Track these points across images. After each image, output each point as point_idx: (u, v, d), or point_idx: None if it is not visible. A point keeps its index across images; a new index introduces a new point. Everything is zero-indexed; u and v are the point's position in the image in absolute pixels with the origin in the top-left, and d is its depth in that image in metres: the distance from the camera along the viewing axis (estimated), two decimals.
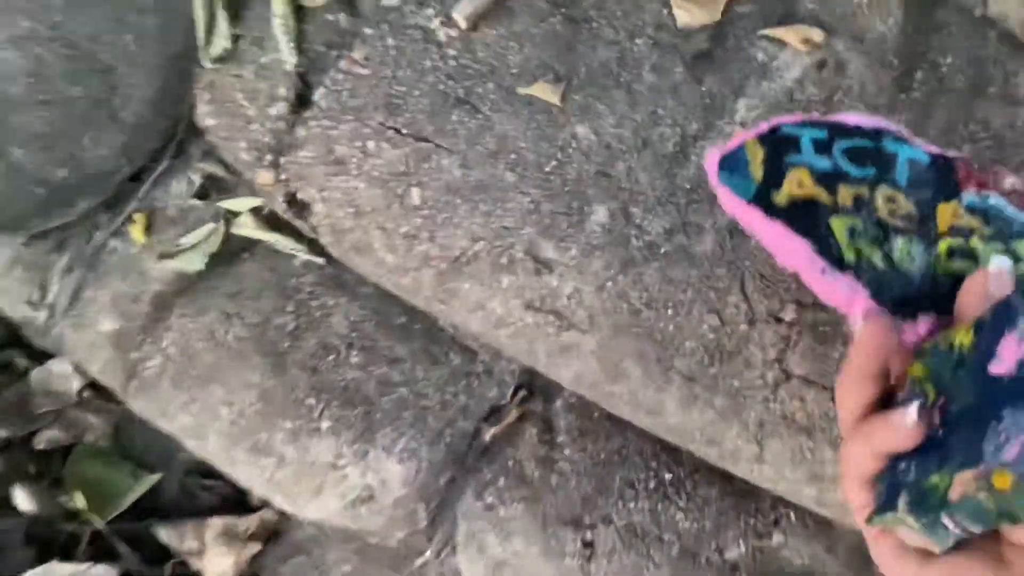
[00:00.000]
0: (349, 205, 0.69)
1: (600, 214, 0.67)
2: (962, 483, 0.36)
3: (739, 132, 0.61)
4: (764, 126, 0.58)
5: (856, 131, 0.59)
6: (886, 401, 0.45)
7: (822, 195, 0.57)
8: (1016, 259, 0.56)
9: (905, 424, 0.40)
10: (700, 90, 0.69)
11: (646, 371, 0.67)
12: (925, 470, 0.39)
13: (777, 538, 0.74)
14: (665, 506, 0.74)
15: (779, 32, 0.70)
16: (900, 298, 0.55)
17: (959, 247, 0.56)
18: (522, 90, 0.68)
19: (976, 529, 0.36)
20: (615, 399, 0.69)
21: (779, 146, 0.58)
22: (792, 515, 0.75)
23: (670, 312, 0.66)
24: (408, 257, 0.68)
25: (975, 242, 0.56)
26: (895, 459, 0.42)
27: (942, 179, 0.58)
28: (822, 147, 0.58)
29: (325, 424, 0.78)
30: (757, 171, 0.57)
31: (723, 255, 0.66)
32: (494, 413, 0.80)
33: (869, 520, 0.42)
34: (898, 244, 0.57)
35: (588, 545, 0.74)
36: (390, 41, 0.70)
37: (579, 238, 0.67)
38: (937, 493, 0.37)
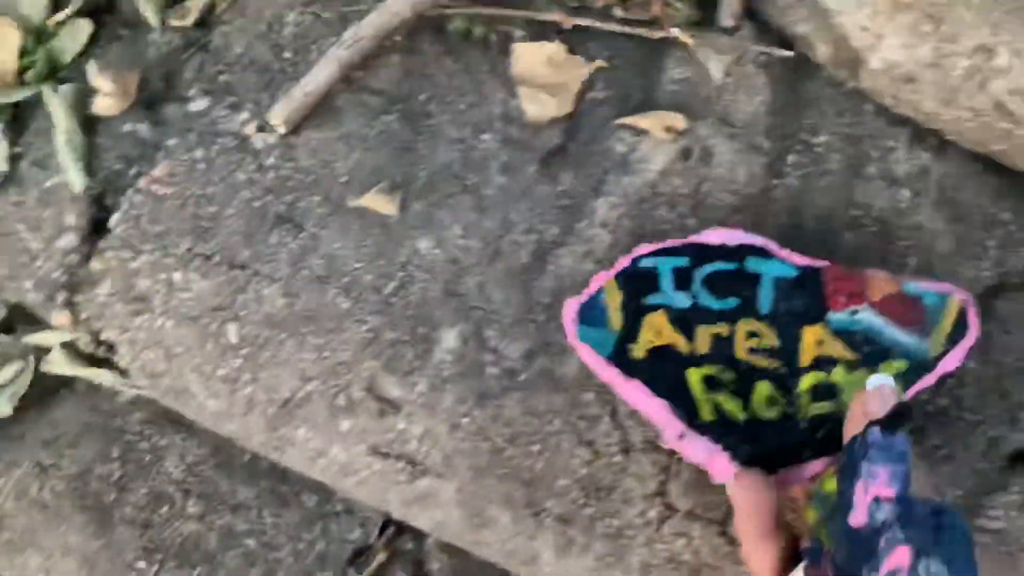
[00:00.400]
0: (158, 346, 0.59)
1: (450, 340, 0.58)
2: None
3: (596, 276, 0.56)
4: (623, 261, 0.56)
5: (719, 252, 0.56)
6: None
7: (679, 342, 0.55)
8: None
9: None
10: (556, 190, 0.62)
11: (515, 516, 0.58)
12: None
13: None
14: None
15: (638, 120, 0.63)
16: (762, 450, 0.52)
17: (822, 384, 0.54)
18: (353, 202, 0.60)
19: None
20: (483, 548, 0.60)
21: (637, 285, 0.55)
22: None
23: (536, 448, 0.58)
24: (231, 402, 0.59)
25: (837, 375, 0.54)
26: None
27: (809, 296, 0.55)
28: (682, 279, 0.55)
29: None
30: (615, 319, 0.55)
31: (590, 377, 0.58)
32: (359, 556, 0.70)
33: None
34: (757, 390, 0.54)
35: None
36: (198, 153, 0.60)
37: (427, 370, 0.58)
38: None
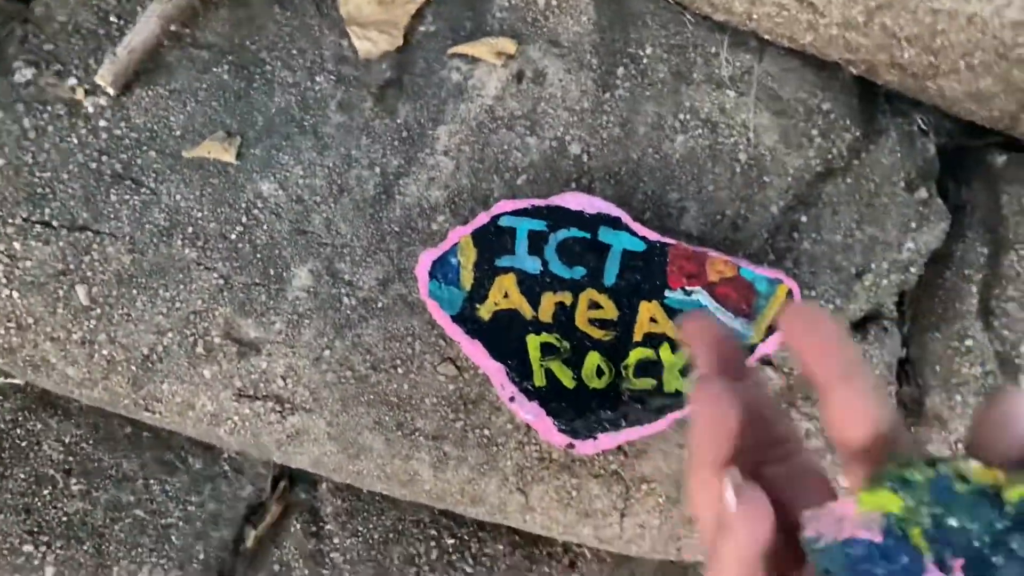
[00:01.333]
0: (8, 320, 0.58)
1: (302, 277, 0.59)
2: None
3: (453, 231, 0.58)
4: (482, 218, 0.57)
5: (576, 218, 0.58)
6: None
7: (524, 307, 0.57)
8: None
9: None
10: (395, 123, 0.63)
11: (388, 440, 0.59)
12: None
13: None
14: (451, 575, 0.67)
15: (470, 48, 0.65)
16: (581, 415, 0.57)
17: (648, 360, 0.58)
18: (189, 153, 0.60)
19: None
20: (364, 477, 0.61)
21: (493, 245, 0.57)
22: (587, 553, 0.69)
23: (400, 371, 0.59)
24: (91, 367, 0.58)
25: (663, 353, 0.58)
26: None
27: (652, 272, 0.58)
28: (537, 243, 0.58)
29: (50, 572, 0.66)
30: (467, 278, 0.57)
31: None
32: (255, 513, 0.70)
33: None
34: (588, 360, 0.57)
35: None
36: (27, 123, 0.59)
37: (282, 309, 0.59)
38: None
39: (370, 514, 0.68)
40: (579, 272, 0.58)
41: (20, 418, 0.70)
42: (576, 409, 0.56)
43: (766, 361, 0.61)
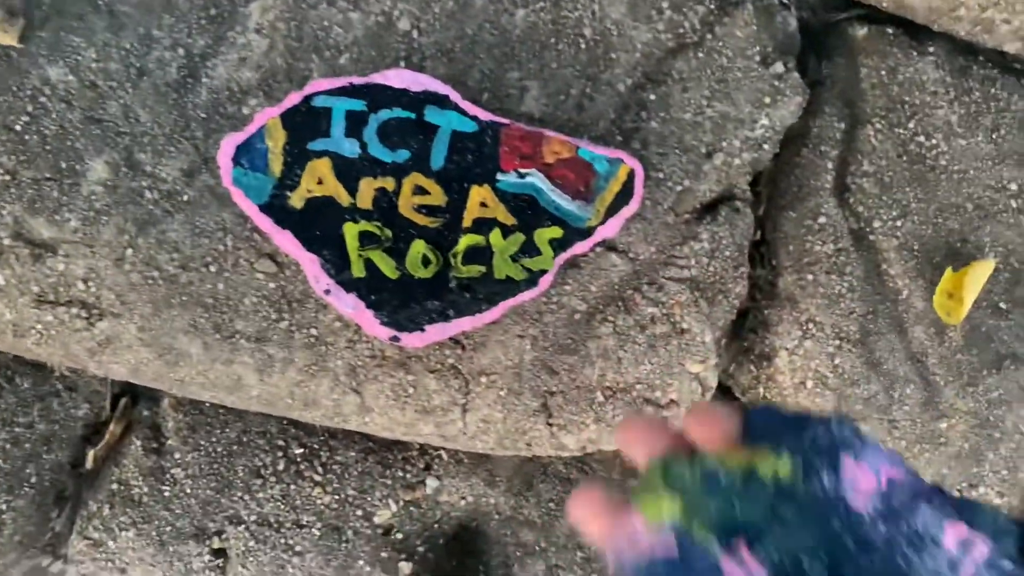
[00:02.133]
0: None
1: (98, 170, 0.54)
2: None
3: (260, 112, 0.53)
4: (293, 98, 0.52)
5: (399, 97, 0.54)
6: None
7: (341, 194, 0.53)
8: (534, 250, 0.55)
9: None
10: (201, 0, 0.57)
11: (206, 344, 0.55)
12: None
13: (432, 484, 0.66)
14: (299, 486, 0.64)
15: None
16: (406, 306, 0.54)
17: (477, 246, 0.54)
18: None
19: None
20: (188, 385, 0.57)
21: (305, 127, 0.53)
22: (444, 455, 0.67)
23: (213, 268, 0.55)
24: None
25: (493, 239, 0.54)
26: None
27: (483, 154, 0.54)
28: (355, 124, 0.53)
29: None
30: (276, 163, 0.52)
31: None
32: (98, 432, 0.66)
33: None
34: (413, 249, 0.54)
35: (219, 553, 0.64)
36: None
37: (77, 205, 0.54)
38: None
39: (213, 428, 0.65)
40: (403, 155, 0.54)
41: None
42: (400, 300, 0.53)
43: (609, 246, 0.59)
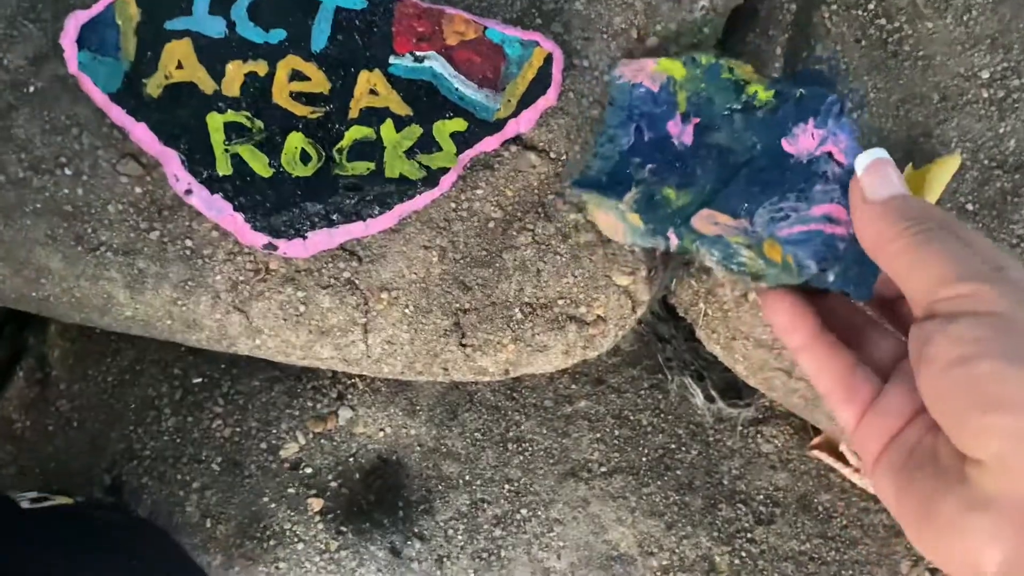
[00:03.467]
0: None
1: None
2: (720, 226, 0.40)
3: None
4: None
5: None
6: None
7: (204, 79, 0.46)
8: (434, 145, 0.49)
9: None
10: None
11: (67, 257, 0.49)
12: (661, 179, 0.43)
13: (345, 414, 0.61)
14: (197, 417, 0.59)
15: None
16: (284, 209, 0.47)
17: (365, 140, 0.48)
18: None
19: (720, 270, 0.41)
20: (55, 306, 0.51)
21: (162, 3, 0.46)
22: (359, 383, 0.61)
23: (69, 171, 0.48)
24: None
25: (385, 131, 0.48)
26: (630, 150, 0.45)
27: (373, 35, 0.47)
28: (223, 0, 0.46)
29: None
30: (128, 46, 0.46)
31: None
32: None
33: (574, 185, 0.48)
34: (289, 143, 0.47)
35: (112, 490, 0.58)
36: None
37: None
38: (668, 206, 0.42)
39: (103, 356, 0.59)
40: (278, 35, 0.47)
41: None
42: (275, 202, 0.47)
43: (526, 144, 0.52)
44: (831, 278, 0.36)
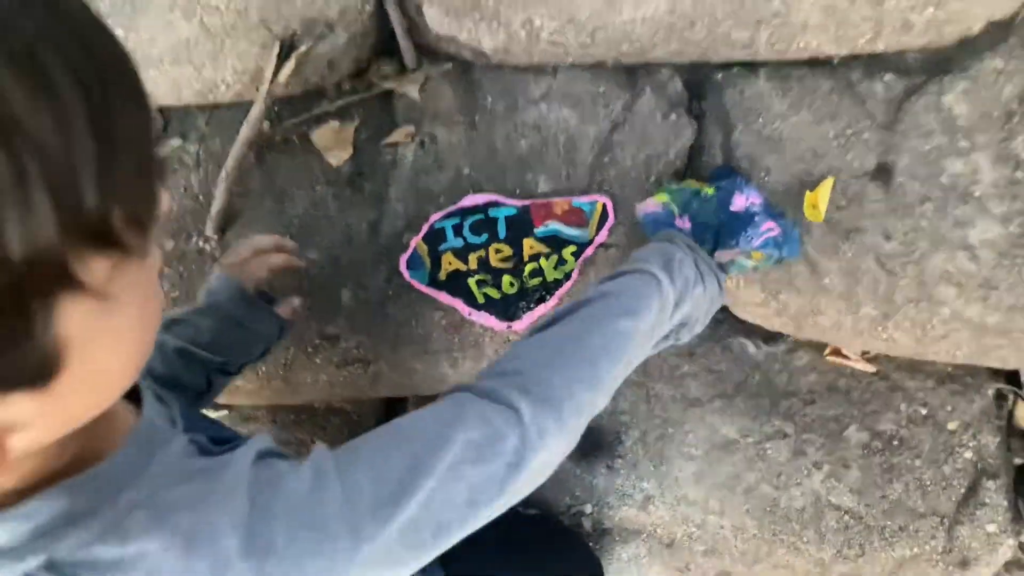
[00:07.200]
0: None
1: None
2: (729, 255, 0.90)
3: (412, 239, 1.06)
4: (424, 227, 1.06)
5: (474, 209, 1.05)
6: None
7: (461, 266, 1.05)
8: (564, 261, 1.05)
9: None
10: (364, 197, 1.12)
11: (423, 361, 1.09)
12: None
13: None
14: None
15: (390, 138, 1.13)
16: (510, 309, 1.04)
17: (535, 269, 1.05)
18: None
19: (740, 272, 0.98)
20: (389, 385, 1.11)
21: (435, 240, 1.06)
22: None
23: (414, 322, 1.09)
24: None
25: (542, 262, 1.05)
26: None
27: (524, 222, 1.05)
28: (457, 229, 1.05)
29: None
30: (427, 261, 1.05)
31: None
32: None
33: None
34: (504, 281, 1.05)
35: None
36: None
37: None
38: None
39: None
40: (483, 237, 1.06)
41: None
42: (505, 307, 1.04)
43: (605, 246, 1.07)
44: (784, 254, 0.92)
